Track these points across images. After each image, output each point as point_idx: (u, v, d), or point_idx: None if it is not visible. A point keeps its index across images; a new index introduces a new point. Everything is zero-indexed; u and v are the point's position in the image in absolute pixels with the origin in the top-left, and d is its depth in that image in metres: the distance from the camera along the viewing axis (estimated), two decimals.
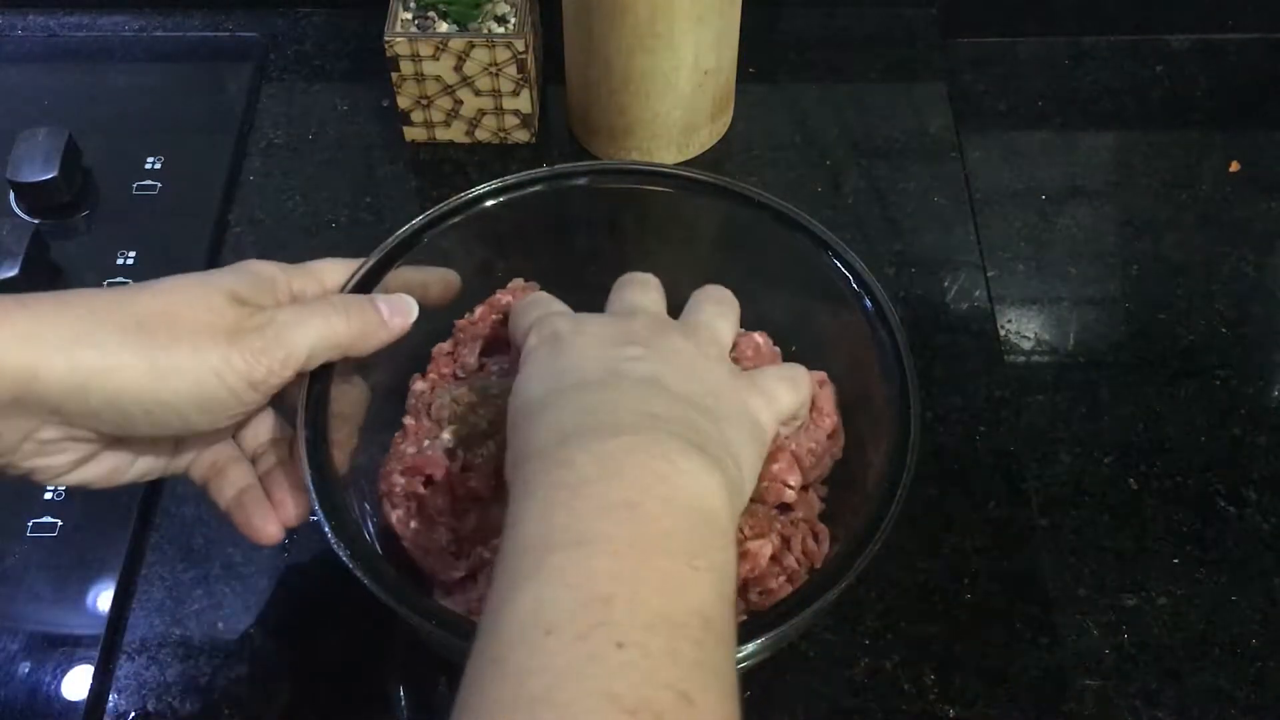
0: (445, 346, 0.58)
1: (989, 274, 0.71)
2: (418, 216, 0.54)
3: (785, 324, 0.57)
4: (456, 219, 0.55)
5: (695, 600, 0.36)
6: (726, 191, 0.56)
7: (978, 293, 0.70)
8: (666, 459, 0.40)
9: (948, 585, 0.59)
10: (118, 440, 0.46)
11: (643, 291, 0.52)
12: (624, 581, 0.36)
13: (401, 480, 0.52)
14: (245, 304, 0.45)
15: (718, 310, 0.52)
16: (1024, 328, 0.70)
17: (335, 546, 0.45)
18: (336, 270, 0.51)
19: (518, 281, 0.58)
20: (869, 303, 0.52)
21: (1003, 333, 0.69)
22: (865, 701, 0.56)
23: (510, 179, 0.56)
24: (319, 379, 0.48)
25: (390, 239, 0.53)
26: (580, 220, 0.60)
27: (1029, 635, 0.58)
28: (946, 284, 0.70)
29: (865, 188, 0.75)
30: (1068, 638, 0.58)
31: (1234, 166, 0.77)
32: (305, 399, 0.48)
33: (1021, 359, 0.69)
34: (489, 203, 0.55)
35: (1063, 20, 0.83)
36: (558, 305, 0.52)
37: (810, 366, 0.54)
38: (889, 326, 0.51)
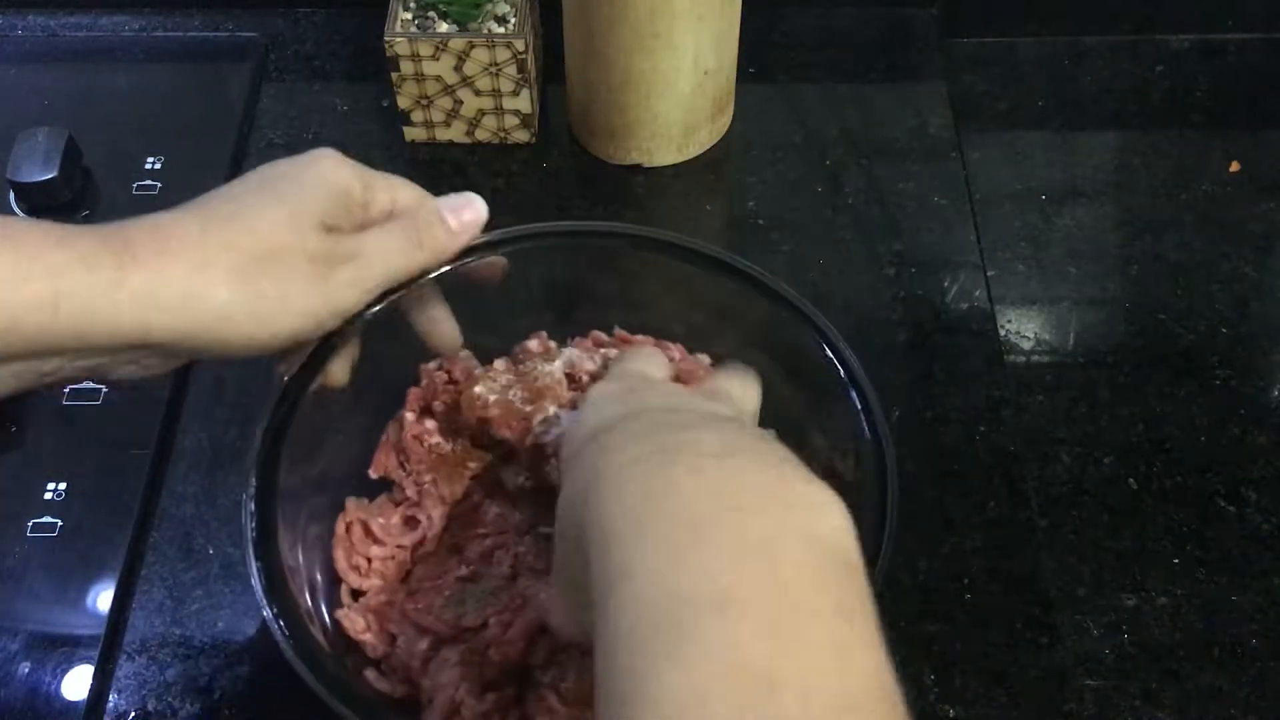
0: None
1: (989, 274, 0.71)
2: None
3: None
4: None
5: (866, 669, 0.31)
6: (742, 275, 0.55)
7: (978, 293, 0.70)
8: (782, 479, 0.35)
9: (948, 585, 0.59)
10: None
11: (648, 360, 0.50)
12: (787, 653, 0.30)
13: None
14: (332, 229, 0.46)
15: (743, 383, 0.50)
16: (1024, 328, 0.70)
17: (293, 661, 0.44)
18: (409, 193, 0.51)
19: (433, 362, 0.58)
20: (856, 397, 0.51)
21: (1003, 333, 0.69)
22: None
23: (516, 231, 0.55)
24: (267, 467, 0.47)
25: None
26: (545, 280, 0.59)
27: (1029, 635, 0.58)
28: (946, 284, 0.70)
29: (865, 188, 0.75)
30: (1068, 638, 0.58)
31: (1234, 166, 0.77)
32: (254, 489, 0.47)
33: (1021, 359, 0.69)
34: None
35: (1063, 20, 0.83)
36: (655, 364, 0.50)
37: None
38: (874, 424, 0.50)
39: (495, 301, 0.57)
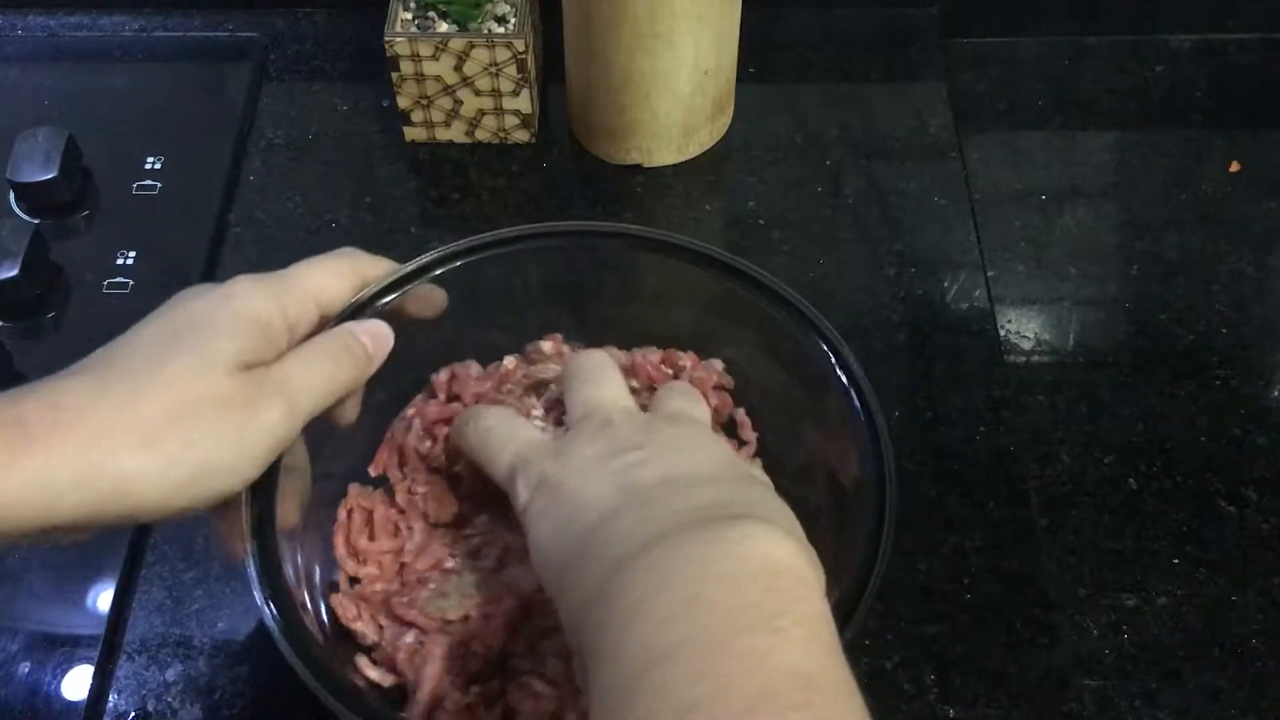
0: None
1: (989, 274, 0.71)
2: (416, 229, 0.54)
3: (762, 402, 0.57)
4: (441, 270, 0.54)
5: (786, 661, 0.34)
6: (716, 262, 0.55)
7: (978, 293, 0.70)
8: (718, 540, 0.38)
9: (948, 585, 0.59)
10: None
11: (599, 381, 0.49)
12: (705, 680, 0.34)
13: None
14: (249, 367, 0.43)
15: (686, 400, 0.50)
16: (1024, 328, 0.70)
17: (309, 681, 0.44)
18: (327, 280, 0.49)
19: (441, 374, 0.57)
20: (852, 393, 0.51)
21: (1003, 333, 0.69)
22: (865, 701, 0.55)
23: (494, 235, 0.55)
24: (261, 497, 0.46)
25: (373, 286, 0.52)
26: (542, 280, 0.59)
27: (1029, 635, 0.58)
28: (946, 284, 0.70)
29: (865, 188, 0.75)
30: (1068, 638, 0.58)
31: (1234, 166, 0.77)
32: (249, 518, 0.46)
33: (1021, 359, 0.69)
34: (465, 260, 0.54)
35: (1063, 20, 0.83)
36: (522, 431, 0.49)
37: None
38: (872, 419, 0.50)
39: (500, 300, 0.57)
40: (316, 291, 0.48)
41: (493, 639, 0.49)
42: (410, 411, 0.57)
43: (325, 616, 0.51)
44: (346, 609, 0.51)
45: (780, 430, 0.56)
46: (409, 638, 0.50)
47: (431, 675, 0.48)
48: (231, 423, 0.42)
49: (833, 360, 0.52)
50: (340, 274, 0.50)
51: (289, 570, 0.46)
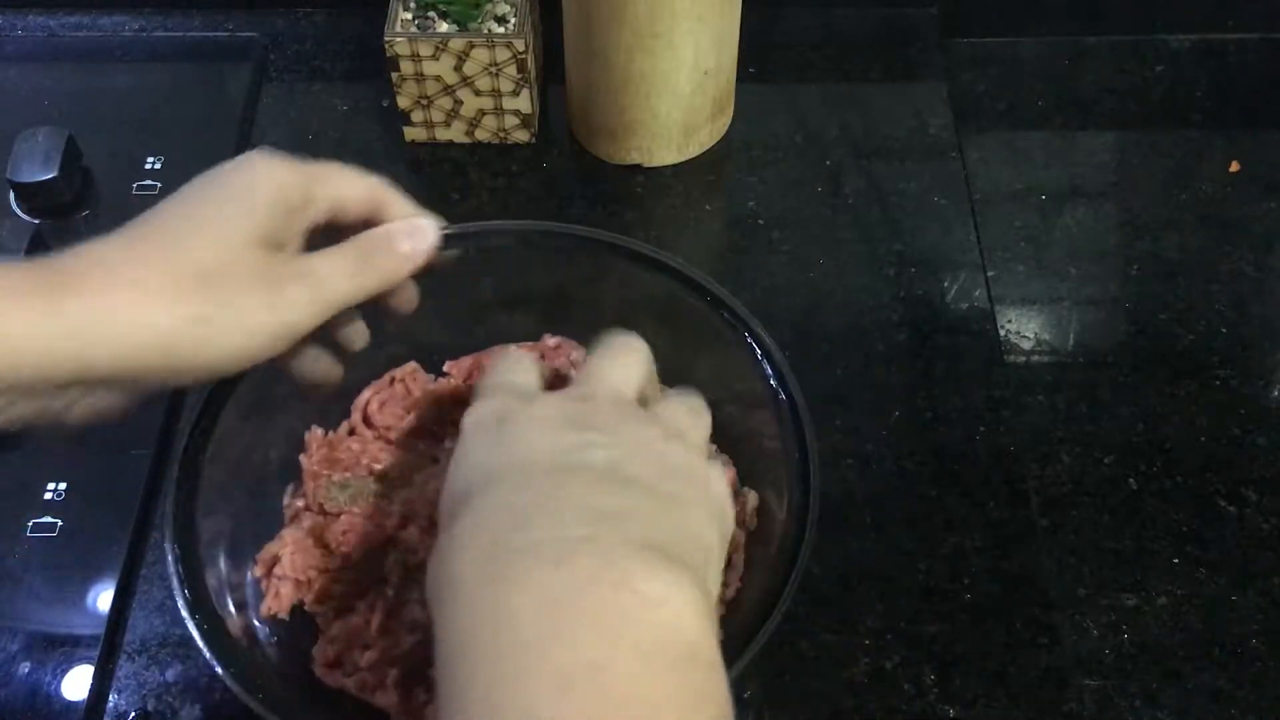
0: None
1: (989, 274, 0.71)
2: None
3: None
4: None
5: None
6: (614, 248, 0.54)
7: (978, 293, 0.70)
8: (629, 587, 0.33)
9: (948, 585, 0.59)
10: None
11: (616, 361, 0.45)
12: None
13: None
14: (279, 245, 0.44)
15: (690, 410, 0.45)
16: (1024, 328, 0.70)
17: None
18: (355, 185, 0.48)
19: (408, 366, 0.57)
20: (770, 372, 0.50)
21: (1003, 333, 0.69)
22: (865, 701, 0.56)
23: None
24: (184, 489, 0.46)
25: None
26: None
27: (1029, 635, 0.58)
28: (946, 284, 0.70)
29: (865, 188, 0.75)
30: (1068, 638, 0.58)
31: (1234, 166, 0.77)
32: (171, 514, 0.46)
33: (1021, 359, 0.69)
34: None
35: (1063, 20, 0.83)
36: (522, 372, 0.45)
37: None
38: (789, 393, 0.49)
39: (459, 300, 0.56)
40: (335, 189, 0.47)
41: (350, 547, 0.49)
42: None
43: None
44: (282, 542, 0.51)
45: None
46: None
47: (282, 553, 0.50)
48: (258, 292, 0.42)
49: (721, 314, 0.51)
50: (360, 186, 0.48)
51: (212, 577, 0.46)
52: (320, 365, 0.50)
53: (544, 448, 0.39)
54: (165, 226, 0.43)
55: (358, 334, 0.50)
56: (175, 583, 0.45)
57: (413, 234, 0.47)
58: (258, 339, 0.42)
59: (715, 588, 0.39)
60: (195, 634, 0.44)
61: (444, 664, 0.33)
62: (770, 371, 0.50)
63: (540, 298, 0.59)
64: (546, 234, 0.55)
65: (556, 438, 0.39)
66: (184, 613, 0.44)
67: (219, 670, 0.43)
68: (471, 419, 0.42)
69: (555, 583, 0.33)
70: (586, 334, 0.55)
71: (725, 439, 0.53)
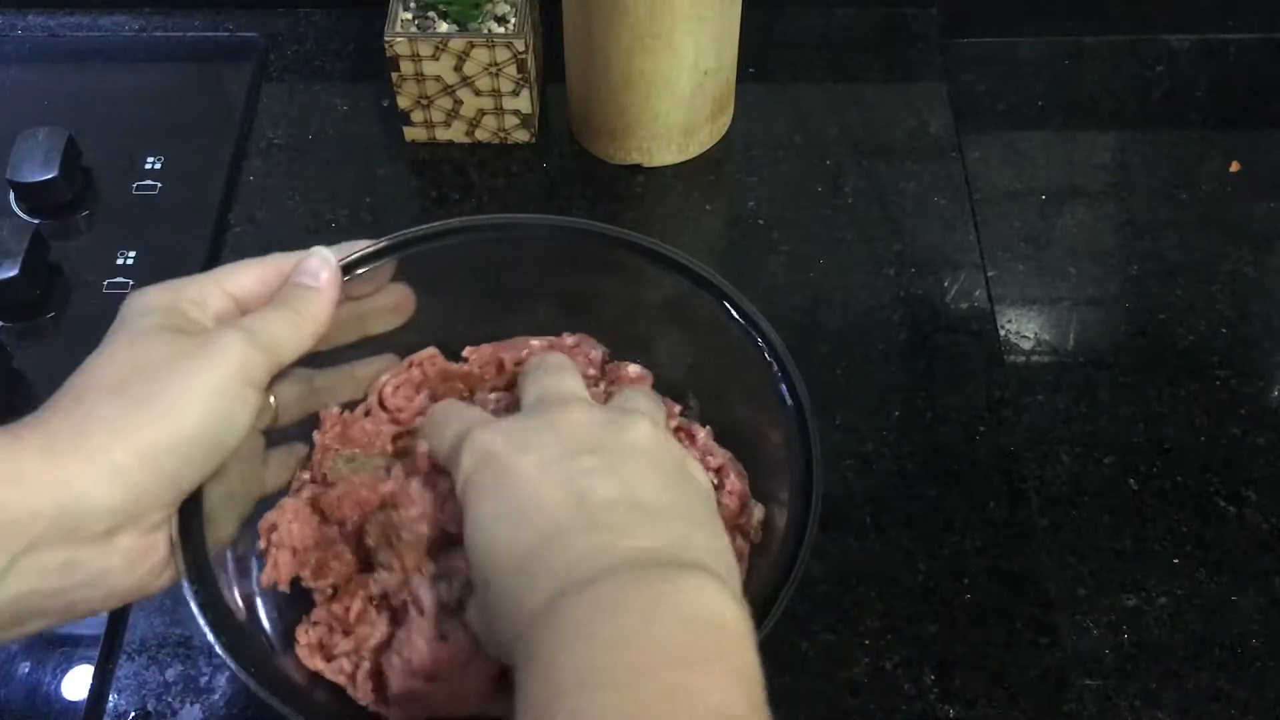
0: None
1: (989, 274, 0.71)
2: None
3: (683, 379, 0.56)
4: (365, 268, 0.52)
5: (715, 702, 0.35)
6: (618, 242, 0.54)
7: (978, 293, 0.70)
8: (666, 580, 0.38)
9: (948, 585, 0.59)
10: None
11: (560, 375, 0.48)
12: (626, 708, 0.34)
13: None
14: (188, 331, 0.44)
15: (647, 402, 0.49)
16: (1024, 328, 0.70)
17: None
18: (233, 271, 0.48)
19: (427, 351, 0.56)
20: (771, 360, 0.50)
21: (1003, 333, 0.69)
22: (865, 701, 0.56)
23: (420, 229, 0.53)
24: (190, 513, 0.45)
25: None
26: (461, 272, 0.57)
27: (1029, 635, 0.58)
28: (946, 284, 0.70)
29: (865, 188, 0.75)
30: (1068, 638, 0.58)
31: (1234, 166, 0.77)
32: (179, 533, 0.44)
33: (1021, 359, 0.69)
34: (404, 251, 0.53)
35: (1063, 20, 0.83)
36: (470, 411, 0.48)
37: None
38: (790, 381, 0.49)
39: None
40: (219, 278, 0.47)
41: (344, 514, 0.49)
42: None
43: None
44: (283, 513, 0.50)
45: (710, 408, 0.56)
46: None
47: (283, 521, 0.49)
48: (193, 353, 0.42)
49: (745, 327, 0.51)
50: (249, 265, 0.48)
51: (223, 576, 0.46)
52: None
53: (554, 488, 0.41)
54: (76, 384, 0.42)
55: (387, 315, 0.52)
56: (176, 549, 0.44)
57: (315, 271, 0.47)
58: (221, 405, 0.42)
59: (731, 572, 0.42)
60: (191, 601, 0.43)
61: (519, 681, 0.37)
62: (777, 371, 0.50)
63: (560, 292, 0.58)
64: (576, 231, 0.55)
65: (558, 472, 0.42)
66: (184, 580, 0.43)
67: (209, 635, 0.43)
68: (466, 468, 0.43)
69: (605, 588, 0.38)
70: (605, 330, 0.56)
71: (731, 439, 0.53)
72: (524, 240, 0.55)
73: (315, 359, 0.50)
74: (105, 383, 0.41)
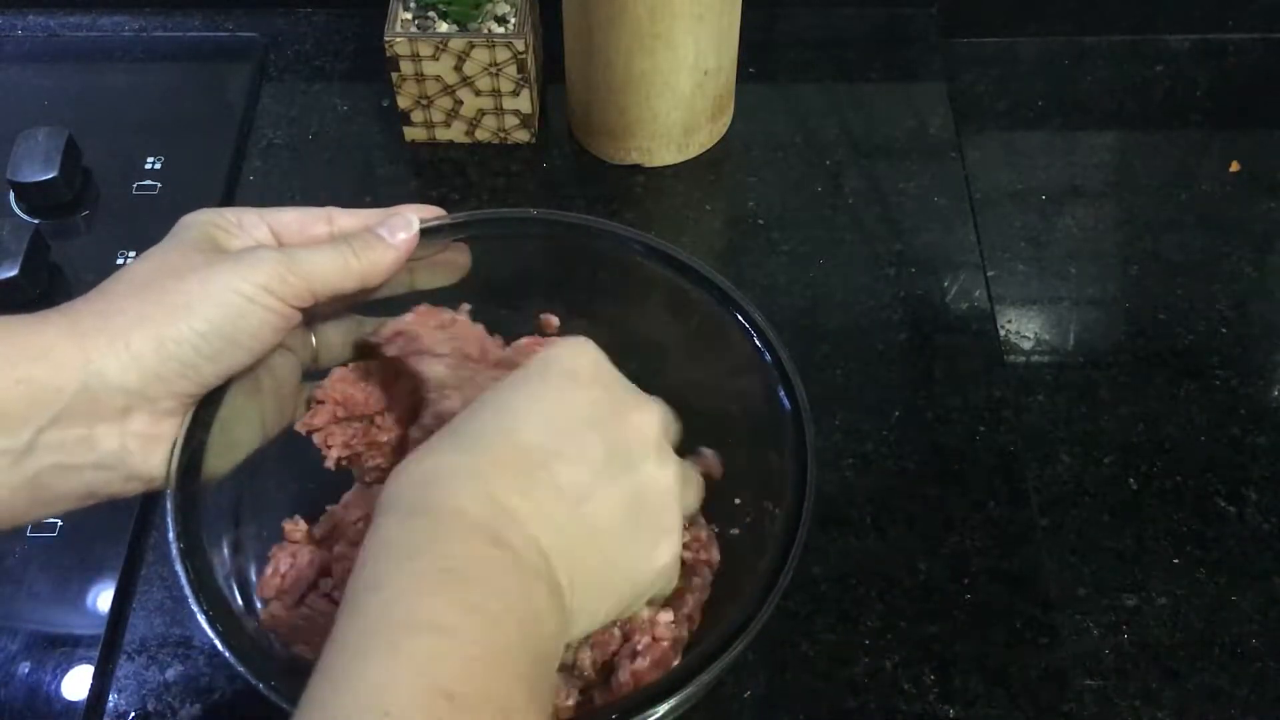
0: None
1: (989, 274, 0.71)
2: None
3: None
4: None
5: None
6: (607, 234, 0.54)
7: (978, 293, 0.70)
8: (531, 583, 0.39)
9: (948, 585, 0.59)
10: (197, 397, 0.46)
11: (576, 356, 0.46)
12: (472, 684, 0.34)
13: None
14: (224, 247, 0.46)
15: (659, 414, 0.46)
16: (1024, 328, 0.70)
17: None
18: (283, 212, 0.49)
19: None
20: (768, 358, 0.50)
21: (1003, 333, 0.69)
22: (865, 701, 0.56)
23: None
24: (187, 483, 0.46)
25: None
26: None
27: (1029, 635, 0.58)
28: (946, 284, 0.70)
29: (865, 188, 0.75)
30: (1068, 638, 0.58)
31: (1234, 166, 0.77)
32: (173, 503, 0.45)
33: (1021, 359, 0.69)
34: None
35: (1063, 20, 0.83)
36: (585, 356, 0.47)
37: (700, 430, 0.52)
38: (789, 385, 0.49)
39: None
40: (262, 210, 0.49)
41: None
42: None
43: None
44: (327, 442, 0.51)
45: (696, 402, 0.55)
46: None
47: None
48: (221, 259, 0.45)
49: (742, 323, 0.51)
50: (301, 210, 0.50)
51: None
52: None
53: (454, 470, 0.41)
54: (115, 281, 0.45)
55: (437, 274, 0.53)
56: (170, 526, 0.44)
57: (396, 229, 0.49)
58: (238, 307, 0.44)
59: (575, 629, 0.42)
60: (182, 575, 0.43)
61: (369, 568, 0.38)
62: (767, 355, 0.50)
63: (549, 285, 0.58)
64: (569, 225, 0.55)
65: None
66: (175, 558, 0.44)
67: (198, 612, 0.43)
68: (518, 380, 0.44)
69: (477, 545, 0.38)
70: (603, 329, 0.55)
71: (722, 436, 0.53)
72: (511, 235, 0.55)
73: (363, 308, 0.51)
74: (133, 281, 0.44)
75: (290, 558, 0.50)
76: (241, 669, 0.41)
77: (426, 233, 0.50)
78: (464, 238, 0.53)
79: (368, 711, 0.33)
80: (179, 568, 0.44)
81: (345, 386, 0.52)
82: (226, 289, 0.44)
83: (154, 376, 0.43)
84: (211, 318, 0.43)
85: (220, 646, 0.42)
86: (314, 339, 0.51)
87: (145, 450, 0.44)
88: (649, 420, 0.45)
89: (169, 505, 0.44)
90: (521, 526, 0.40)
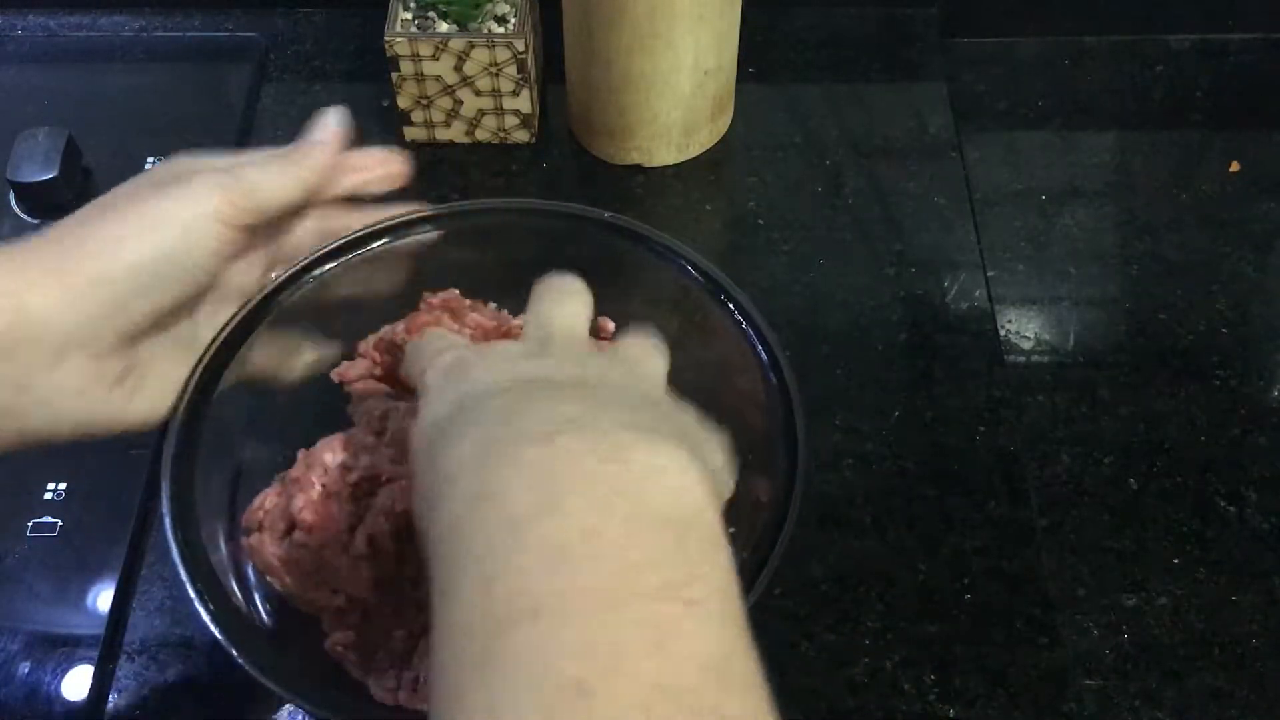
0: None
1: (989, 274, 0.71)
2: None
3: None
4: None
5: (699, 648, 0.29)
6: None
7: (978, 293, 0.70)
8: (618, 458, 0.32)
9: (948, 585, 0.59)
10: (139, 334, 0.44)
11: (559, 301, 0.43)
12: (598, 654, 0.28)
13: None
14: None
15: (648, 348, 0.43)
16: (1024, 328, 0.70)
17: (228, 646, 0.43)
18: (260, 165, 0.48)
19: (451, 293, 0.54)
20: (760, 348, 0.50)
21: (1003, 333, 0.69)
22: (865, 701, 0.56)
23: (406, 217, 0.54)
24: (181, 461, 0.46)
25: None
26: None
27: (1029, 635, 0.58)
28: (946, 284, 0.70)
29: (865, 188, 0.75)
30: (1068, 638, 0.58)
31: (1234, 166, 0.77)
32: (168, 481, 0.45)
33: (1021, 359, 0.69)
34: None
35: (1063, 20, 0.83)
36: (453, 337, 0.46)
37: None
38: (776, 363, 0.49)
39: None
40: (240, 160, 0.48)
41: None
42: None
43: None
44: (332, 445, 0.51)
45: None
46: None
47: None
48: (166, 185, 0.44)
49: (727, 303, 0.51)
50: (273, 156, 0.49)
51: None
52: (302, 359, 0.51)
53: (504, 374, 0.38)
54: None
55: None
56: (166, 509, 0.44)
57: (320, 130, 0.49)
58: (188, 229, 0.43)
59: (725, 487, 0.38)
60: (176, 555, 0.44)
61: (441, 574, 0.32)
62: (749, 330, 0.50)
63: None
64: (552, 214, 0.55)
65: (515, 365, 0.39)
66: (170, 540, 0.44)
67: (192, 594, 0.43)
68: (429, 379, 0.40)
69: (545, 457, 0.32)
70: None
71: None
72: (504, 226, 0.56)
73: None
74: (76, 216, 0.43)
75: (276, 495, 0.50)
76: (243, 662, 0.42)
77: (415, 224, 0.52)
78: (458, 228, 0.54)
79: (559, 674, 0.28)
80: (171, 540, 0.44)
81: (386, 352, 0.52)
82: (166, 218, 0.42)
83: (89, 315, 0.41)
84: (145, 249, 0.42)
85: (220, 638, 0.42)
86: (314, 356, 0.51)
87: (82, 390, 0.42)
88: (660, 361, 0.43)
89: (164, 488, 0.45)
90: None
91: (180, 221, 0.43)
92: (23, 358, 0.40)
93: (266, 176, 0.46)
